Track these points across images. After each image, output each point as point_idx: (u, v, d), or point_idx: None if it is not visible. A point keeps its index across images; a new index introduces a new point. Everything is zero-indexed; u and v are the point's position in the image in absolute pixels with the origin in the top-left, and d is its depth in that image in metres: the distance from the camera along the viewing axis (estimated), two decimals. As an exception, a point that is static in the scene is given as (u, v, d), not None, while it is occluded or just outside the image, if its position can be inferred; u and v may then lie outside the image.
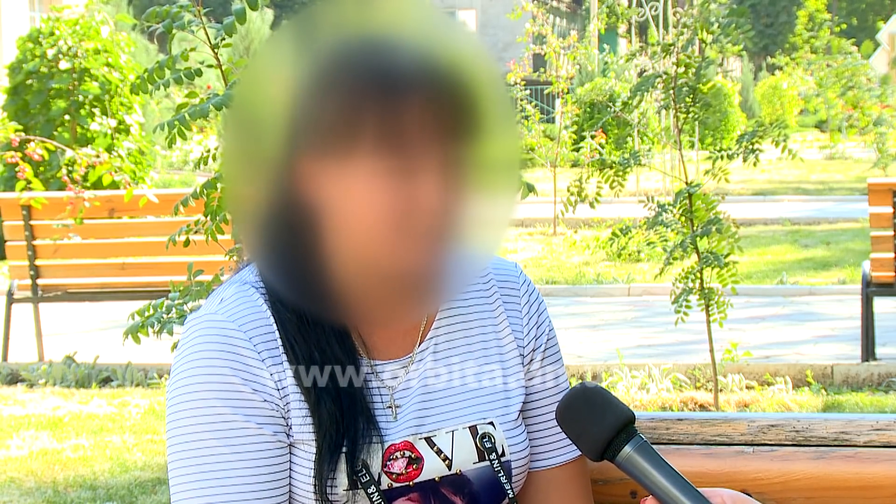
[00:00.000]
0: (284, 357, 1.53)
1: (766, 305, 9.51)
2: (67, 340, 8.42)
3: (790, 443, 1.81)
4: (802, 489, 1.77)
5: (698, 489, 1.52)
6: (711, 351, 5.89)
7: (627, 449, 1.54)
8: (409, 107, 1.43)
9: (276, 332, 1.54)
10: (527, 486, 1.67)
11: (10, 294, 7.82)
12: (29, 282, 7.68)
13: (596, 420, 1.55)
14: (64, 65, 12.29)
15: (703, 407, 6.33)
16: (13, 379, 7.37)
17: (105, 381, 7.25)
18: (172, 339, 3.04)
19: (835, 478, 1.77)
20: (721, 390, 6.47)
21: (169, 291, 3.50)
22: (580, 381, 1.64)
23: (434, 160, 1.45)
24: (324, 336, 1.55)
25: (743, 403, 6.40)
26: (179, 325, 3.28)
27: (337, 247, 1.49)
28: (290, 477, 1.53)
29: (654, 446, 1.56)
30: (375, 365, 1.59)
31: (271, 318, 1.54)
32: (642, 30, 17.17)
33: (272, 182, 1.48)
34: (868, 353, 7.19)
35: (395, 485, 1.54)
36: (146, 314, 3.35)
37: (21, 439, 5.98)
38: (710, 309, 5.58)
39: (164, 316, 3.35)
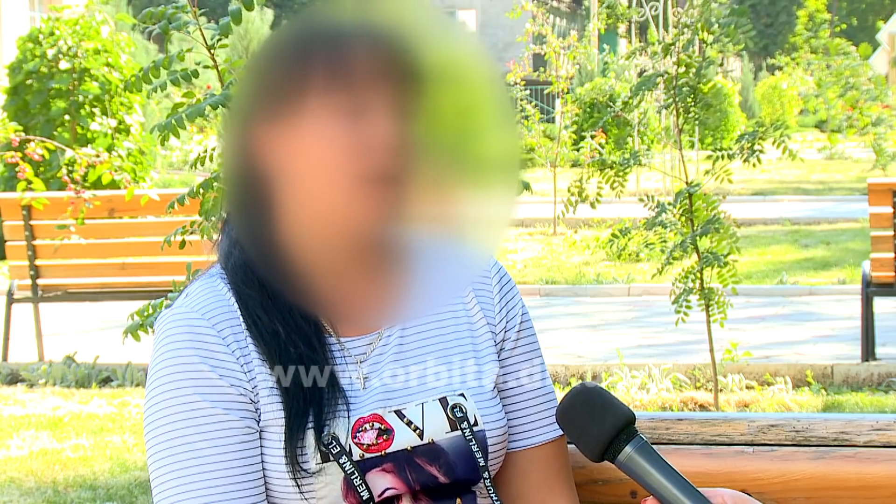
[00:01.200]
0: (250, 341, 1.57)
1: (766, 305, 9.51)
2: (67, 340, 8.42)
3: (790, 443, 1.81)
4: (802, 489, 1.77)
5: (698, 489, 1.52)
6: (711, 351, 5.89)
7: (628, 449, 1.54)
8: (355, 50, 1.50)
9: (241, 318, 1.58)
10: (507, 467, 1.69)
11: (10, 294, 7.82)
12: (29, 282, 7.68)
13: (596, 421, 1.55)
14: (64, 65, 12.28)
15: (703, 407, 6.33)
16: (13, 379, 7.37)
17: (105, 381, 7.24)
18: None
19: (835, 478, 1.76)
20: (721, 390, 6.47)
21: (169, 291, 3.50)
22: (580, 381, 1.64)
23: (384, 102, 1.50)
24: (288, 313, 1.58)
25: (743, 403, 6.40)
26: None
27: (298, 210, 1.54)
28: (263, 462, 1.55)
29: (654, 446, 1.56)
30: (343, 341, 1.61)
31: (235, 305, 1.58)
32: (642, 30, 17.16)
33: (236, 156, 1.55)
34: (868, 353, 7.19)
35: (367, 455, 1.55)
36: (145, 314, 3.35)
37: (21, 439, 5.97)
38: (710, 309, 5.57)
39: (164, 315, 3.34)
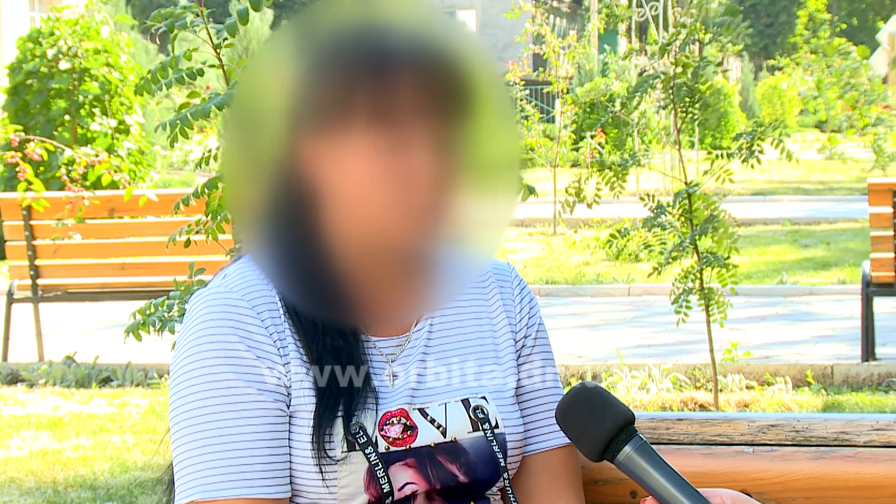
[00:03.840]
0: (287, 325, 1.57)
1: (766, 305, 9.51)
2: (67, 340, 8.42)
3: (790, 443, 1.81)
4: (802, 489, 1.77)
5: (698, 489, 1.53)
6: (711, 351, 5.89)
7: (627, 449, 1.54)
8: (400, 83, 1.48)
9: (279, 303, 1.58)
10: (519, 470, 1.70)
11: (10, 294, 7.82)
12: (29, 282, 7.68)
13: (596, 420, 1.56)
14: (64, 65, 12.28)
15: (703, 407, 6.33)
16: (13, 379, 7.37)
17: (105, 381, 7.25)
18: (173, 339, 3.04)
19: (835, 478, 1.77)
20: (721, 390, 6.47)
21: (170, 291, 3.50)
22: (580, 381, 1.65)
23: (426, 136, 1.50)
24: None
25: (743, 403, 6.40)
26: (181, 323, 3.28)
27: (335, 228, 1.54)
28: (289, 447, 1.55)
29: (653, 446, 1.56)
30: (375, 340, 1.63)
31: (272, 290, 1.59)
32: (642, 30, 17.16)
33: (274, 168, 1.53)
34: (868, 353, 7.19)
35: (392, 448, 1.56)
36: (147, 313, 3.35)
37: (21, 439, 5.97)
38: (710, 309, 5.57)
39: (166, 315, 3.35)
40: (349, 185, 1.51)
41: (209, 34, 3.28)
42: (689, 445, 1.83)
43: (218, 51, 3.29)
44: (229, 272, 1.61)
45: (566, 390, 1.62)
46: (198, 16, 3.27)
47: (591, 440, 1.56)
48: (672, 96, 5.57)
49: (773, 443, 1.81)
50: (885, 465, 1.76)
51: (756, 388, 6.66)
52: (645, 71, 12.18)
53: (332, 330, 1.58)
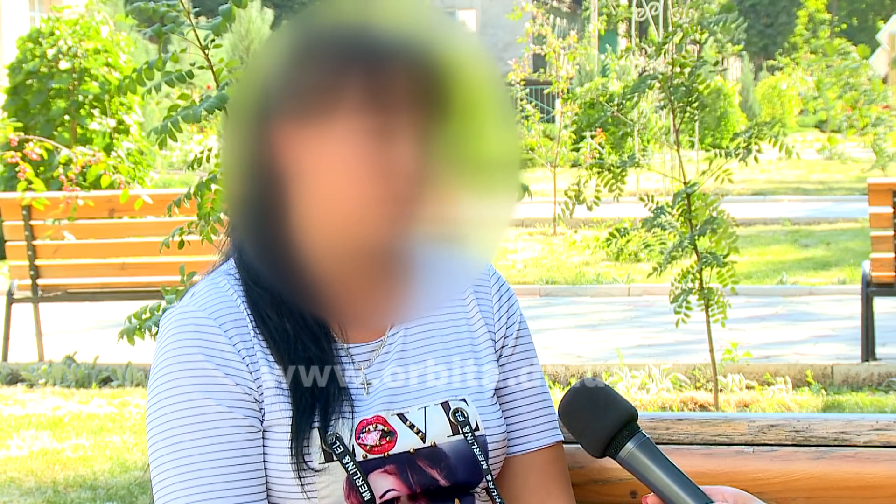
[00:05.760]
0: (256, 342, 1.57)
1: (766, 305, 9.51)
2: (67, 340, 8.42)
3: (790, 443, 1.81)
4: (802, 489, 1.77)
5: (700, 487, 1.52)
6: (711, 351, 5.89)
7: (630, 445, 1.54)
8: (393, 73, 1.50)
9: (247, 318, 1.58)
10: (505, 471, 1.70)
11: (10, 294, 7.82)
12: (29, 282, 7.68)
13: (598, 416, 1.55)
14: (64, 65, 12.29)
15: (703, 407, 6.33)
16: (13, 379, 7.37)
17: (105, 381, 7.25)
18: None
19: (835, 478, 1.76)
20: (721, 390, 6.47)
21: (167, 292, 3.49)
22: (581, 379, 1.65)
23: (412, 125, 1.51)
24: (298, 314, 1.59)
25: (743, 403, 6.40)
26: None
27: (310, 217, 1.54)
28: (265, 462, 1.55)
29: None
30: (348, 347, 1.62)
31: (241, 305, 1.59)
32: (642, 30, 17.16)
33: (250, 152, 1.53)
34: (868, 353, 7.19)
35: (371, 456, 1.56)
36: (143, 317, 3.34)
37: (21, 439, 5.97)
38: (710, 309, 5.57)
39: (161, 318, 3.33)
40: (331, 169, 1.51)
41: (196, 35, 3.26)
42: (689, 445, 1.83)
43: (206, 52, 3.27)
44: (197, 290, 1.62)
45: (566, 390, 1.61)
46: (184, 16, 3.25)
47: (593, 436, 1.56)
48: (670, 97, 5.57)
49: (773, 443, 1.81)
50: (885, 465, 1.76)
51: (756, 388, 6.66)
52: (644, 71, 12.17)
53: (305, 338, 1.58)
